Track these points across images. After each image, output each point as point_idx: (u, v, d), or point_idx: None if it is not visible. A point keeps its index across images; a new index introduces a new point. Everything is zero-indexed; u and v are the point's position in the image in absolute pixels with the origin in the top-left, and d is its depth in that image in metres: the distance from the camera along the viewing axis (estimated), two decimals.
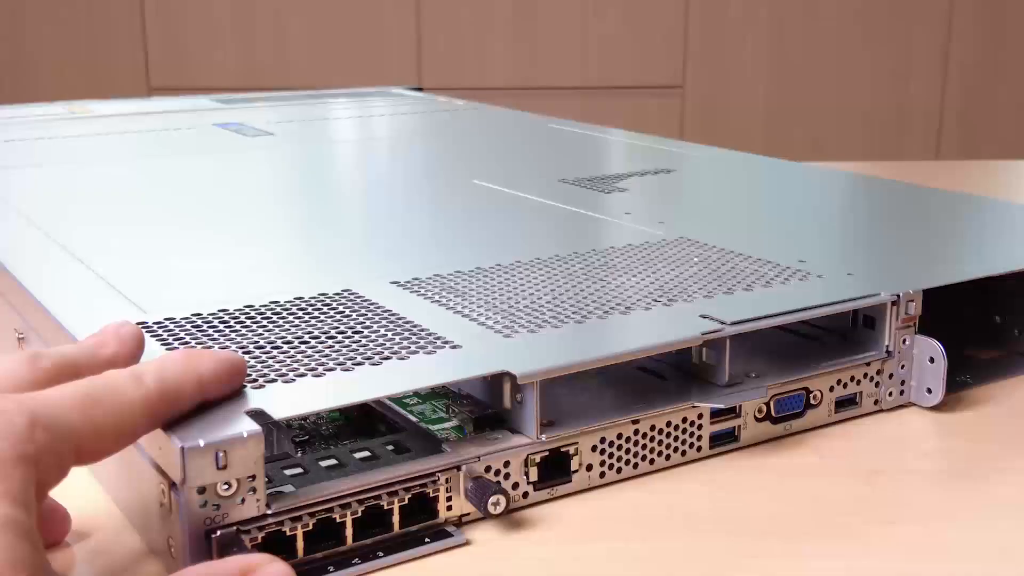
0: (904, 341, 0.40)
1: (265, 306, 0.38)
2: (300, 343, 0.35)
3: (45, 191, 0.62)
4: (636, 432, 0.35)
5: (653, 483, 0.35)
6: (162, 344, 0.35)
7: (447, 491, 0.32)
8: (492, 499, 0.31)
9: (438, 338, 0.35)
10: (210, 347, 0.34)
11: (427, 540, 0.31)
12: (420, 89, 1.18)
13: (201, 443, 0.28)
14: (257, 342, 0.35)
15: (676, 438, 0.36)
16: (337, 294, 0.40)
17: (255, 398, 0.30)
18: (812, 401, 0.39)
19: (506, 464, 0.33)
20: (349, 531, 0.30)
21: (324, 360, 0.33)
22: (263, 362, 0.33)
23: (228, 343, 0.35)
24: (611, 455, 0.35)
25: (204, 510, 0.28)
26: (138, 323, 0.35)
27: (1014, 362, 0.45)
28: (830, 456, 0.37)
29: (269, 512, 0.29)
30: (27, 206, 0.56)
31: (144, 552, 0.32)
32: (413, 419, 0.35)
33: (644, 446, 0.36)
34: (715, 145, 0.79)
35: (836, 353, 0.40)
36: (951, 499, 0.34)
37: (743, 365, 0.38)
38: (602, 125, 0.89)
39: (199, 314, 0.38)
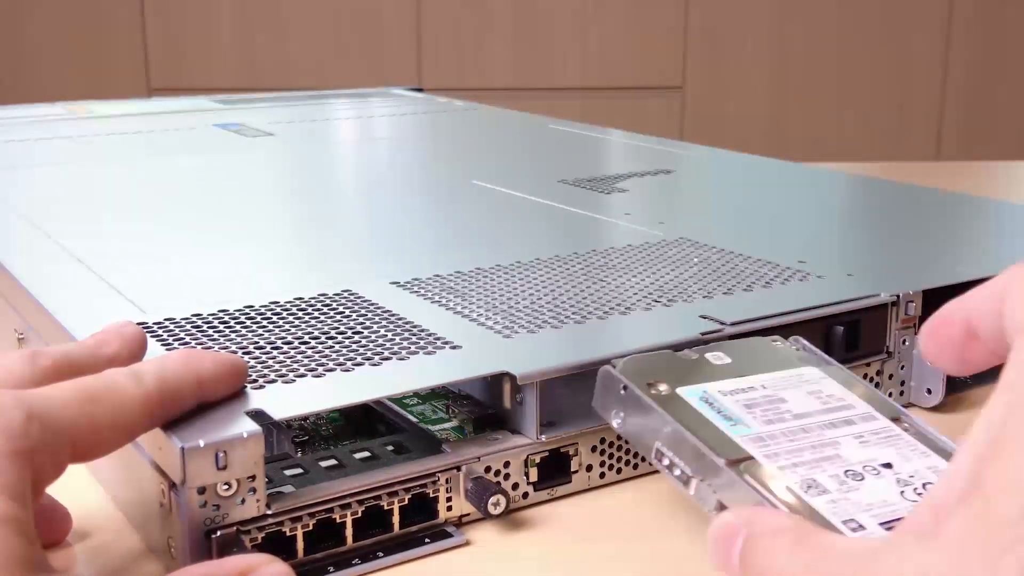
0: (904, 342, 0.40)
1: (265, 306, 0.38)
2: (300, 343, 0.35)
3: (45, 191, 0.62)
4: None
5: (653, 483, 0.35)
6: (162, 344, 0.35)
7: (447, 491, 0.32)
8: (492, 499, 0.31)
9: (438, 338, 0.35)
10: (210, 347, 0.34)
11: (427, 540, 0.31)
12: (420, 90, 1.18)
13: (201, 443, 0.28)
14: (257, 342, 0.35)
15: None
16: (337, 294, 0.40)
17: (255, 398, 0.30)
18: None
19: (506, 464, 0.33)
20: (349, 531, 0.30)
21: (324, 360, 0.33)
22: (263, 362, 0.33)
23: (228, 343, 0.35)
24: (611, 456, 0.35)
25: (204, 510, 0.28)
26: (138, 323, 0.35)
27: None
28: None
29: (269, 512, 0.29)
30: (27, 206, 0.56)
31: (144, 552, 0.32)
32: (413, 419, 0.35)
33: None
34: (715, 145, 0.79)
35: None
36: None
37: None
38: (602, 125, 0.89)
39: (199, 314, 0.38)
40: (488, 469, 0.32)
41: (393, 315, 0.38)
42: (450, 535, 0.32)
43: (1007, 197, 0.59)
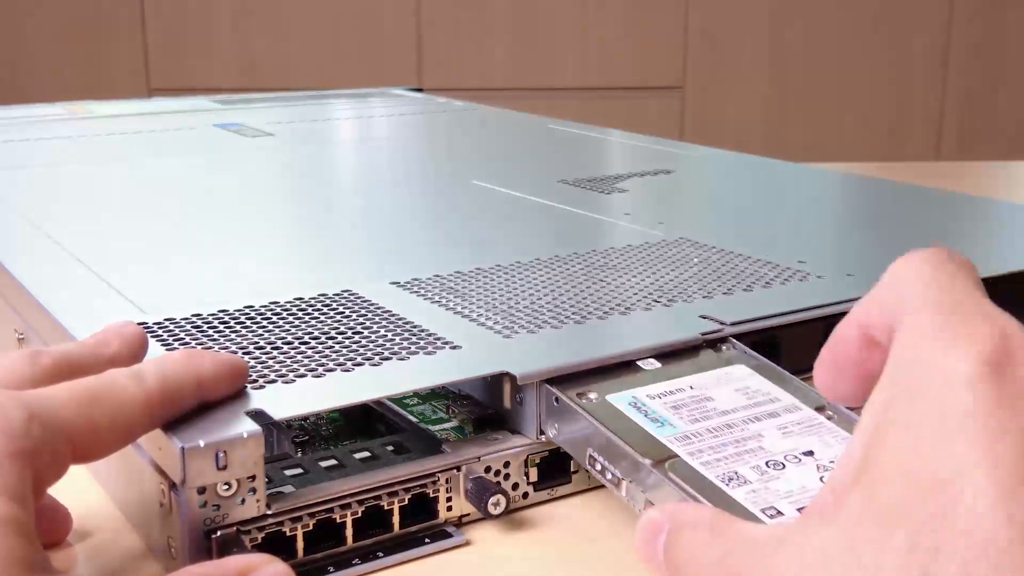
0: None
1: (265, 306, 0.38)
2: (300, 343, 0.35)
3: (46, 191, 0.62)
4: None
5: None
6: (162, 344, 0.35)
7: (447, 491, 0.32)
8: (492, 499, 0.31)
9: (438, 338, 0.35)
10: (210, 347, 0.35)
11: (427, 540, 0.31)
12: (420, 90, 1.18)
13: (201, 443, 0.28)
14: (257, 342, 0.35)
15: None
16: (337, 294, 0.40)
17: (255, 398, 0.30)
18: None
19: (506, 464, 0.33)
20: (349, 531, 0.30)
21: (324, 360, 0.33)
22: (263, 362, 0.33)
23: (228, 343, 0.35)
24: None
25: (204, 510, 0.28)
26: (138, 323, 0.35)
27: None
28: None
29: (269, 512, 0.29)
30: (27, 206, 0.56)
31: (144, 552, 0.32)
32: (413, 419, 0.35)
33: None
34: (715, 145, 0.79)
35: None
36: None
37: None
38: (602, 125, 0.89)
39: (199, 314, 0.38)
40: (488, 469, 0.32)
41: (393, 315, 0.38)
42: (450, 535, 0.32)
43: (1007, 197, 0.59)
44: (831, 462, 0.29)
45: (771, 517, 0.26)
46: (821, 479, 0.28)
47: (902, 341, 0.22)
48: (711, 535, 0.23)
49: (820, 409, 0.31)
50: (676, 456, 0.29)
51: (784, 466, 0.28)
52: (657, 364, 0.34)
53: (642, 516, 0.25)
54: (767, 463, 0.29)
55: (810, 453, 0.29)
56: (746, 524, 0.23)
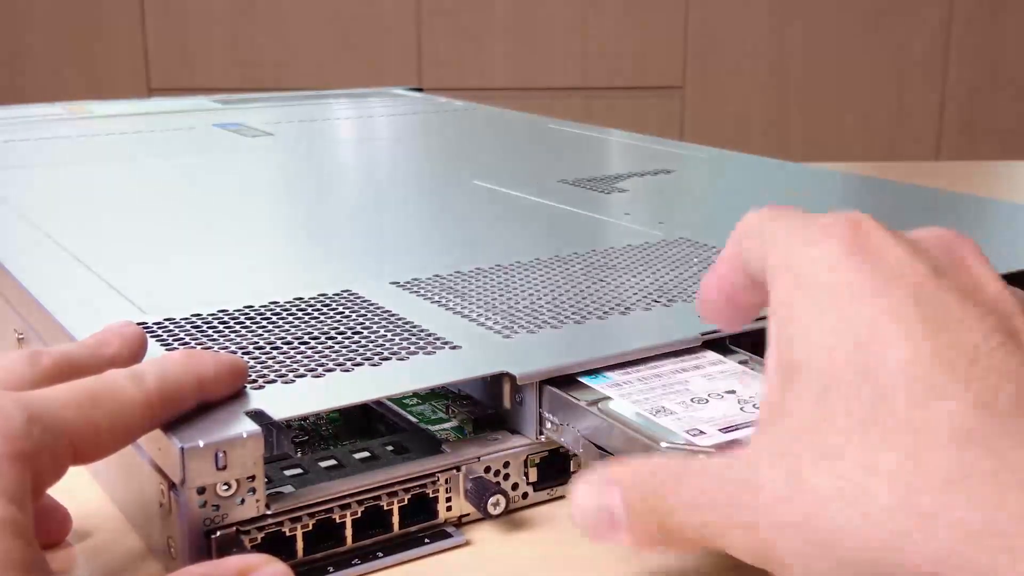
0: None
1: (265, 306, 0.38)
2: (300, 343, 0.35)
3: (45, 191, 0.62)
4: None
5: None
6: (162, 344, 0.35)
7: (447, 492, 0.32)
8: (492, 500, 0.31)
9: (438, 339, 0.35)
10: (210, 347, 0.35)
11: (427, 540, 0.31)
12: (420, 90, 1.18)
13: (201, 443, 0.28)
14: (257, 342, 0.35)
15: None
16: (337, 294, 0.40)
17: (255, 398, 0.30)
18: None
19: (506, 465, 0.33)
20: (349, 531, 0.30)
21: (324, 360, 0.33)
22: (263, 362, 0.33)
23: (228, 343, 0.35)
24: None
25: (204, 510, 0.28)
26: (138, 323, 0.35)
27: None
28: None
29: (269, 512, 0.29)
30: (27, 206, 0.56)
31: (144, 552, 0.32)
32: (413, 419, 0.35)
33: None
34: (715, 145, 0.79)
35: None
36: None
37: None
38: (602, 125, 0.89)
39: (199, 314, 0.38)
40: (488, 469, 0.32)
41: (393, 315, 0.38)
42: (450, 535, 0.32)
43: (1008, 197, 0.59)
44: (751, 397, 0.32)
45: (694, 436, 0.29)
46: (742, 409, 0.31)
47: (772, 267, 0.26)
48: (676, 480, 0.25)
49: (743, 363, 0.35)
50: (609, 398, 0.32)
51: (708, 401, 0.32)
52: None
53: (578, 500, 0.26)
54: (692, 399, 0.32)
55: (732, 391, 0.32)
56: (696, 459, 0.25)
